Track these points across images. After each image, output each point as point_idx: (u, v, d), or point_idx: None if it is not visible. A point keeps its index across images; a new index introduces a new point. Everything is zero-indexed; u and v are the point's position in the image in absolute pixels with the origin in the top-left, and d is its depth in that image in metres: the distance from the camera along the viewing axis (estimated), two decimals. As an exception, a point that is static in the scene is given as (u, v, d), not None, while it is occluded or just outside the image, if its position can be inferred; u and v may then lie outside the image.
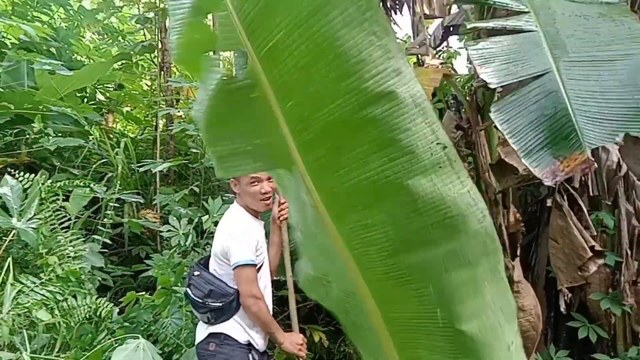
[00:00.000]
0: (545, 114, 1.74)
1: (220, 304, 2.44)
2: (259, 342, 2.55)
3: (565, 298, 3.00)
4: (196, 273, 2.54)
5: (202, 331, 2.52)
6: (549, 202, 2.98)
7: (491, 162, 2.98)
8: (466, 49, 1.96)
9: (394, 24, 5.43)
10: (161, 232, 3.29)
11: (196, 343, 2.54)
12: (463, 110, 4.25)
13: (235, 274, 2.43)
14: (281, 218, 2.64)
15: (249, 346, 2.51)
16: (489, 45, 1.93)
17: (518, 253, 3.23)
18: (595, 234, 2.89)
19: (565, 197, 2.93)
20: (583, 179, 3.44)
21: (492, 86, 1.84)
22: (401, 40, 6.57)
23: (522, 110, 1.82)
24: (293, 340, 2.55)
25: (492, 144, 3.18)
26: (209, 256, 2.63)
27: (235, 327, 2.49)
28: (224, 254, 2.47)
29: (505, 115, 1.78)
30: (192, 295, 2.47)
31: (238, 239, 2.45)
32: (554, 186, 3.33)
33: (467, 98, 3.22)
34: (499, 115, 1.79)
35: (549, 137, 1.69)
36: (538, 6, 2.03)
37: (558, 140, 1.68)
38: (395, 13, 5.83)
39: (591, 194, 3.32)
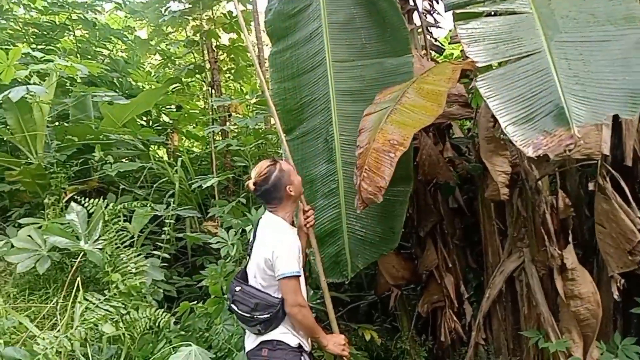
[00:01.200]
0: (532, 90, 1.70)
1: (268, 315, 2.49)
2: (307, 344, 2.65)
3: (618, 284, 2.84)
4: (237, 288, 2.58)
5: (253, 340, 2.58)
6: (590, 186, 2.84)
7: (528, 149, 2.89)
8: (455, 28, 1.94)
9: (437, 14, 5.32)
10: (211, 243, 3.46)
11: (247, 351, 2.61)
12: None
13: (282, 285, 2.48)
14: (308, 225, 2.77)
15: (300, 349, 2.59)
16: (479, 24, 1.90)
17: (570, 240, 3.09)
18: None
19: (608, 179, 2.78)
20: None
21: (478, 65, 1.82)
22: (449, 30, 6.44)
23: (509, 84, 1.79)
24: (336, 342, 2.66)
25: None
26: (245, 269, 2.70)
27: (286, 333, 2.56)
28: (269, 266, 2.50)
29: (491, 87, 1.75)
30: (238, 311, 2.53)
31: (285, 251, 2.50)
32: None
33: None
34: (484, 85, 1.76)
35: (535, 112, 1.64)
36: (533, -12, 1.97)
37: (543, 116, 1.64)
38: (437, 3, 5.72)
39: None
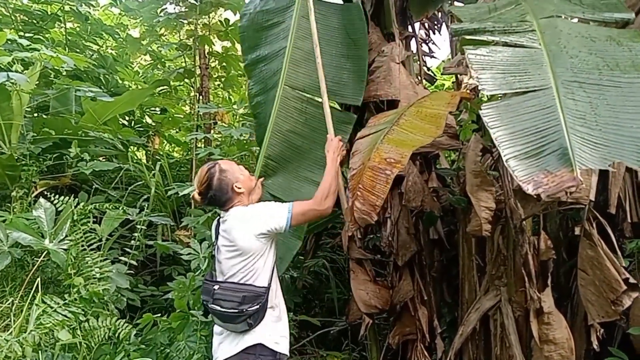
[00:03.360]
0: (537, 126, 1.64)
1: (258, 306, 2.44)
2: (286, 345, 2.60)
3: (598, 334, 2.79)
4: (216, 287, 2.50)
5: (232, 347, 2.48)
6: (577, 231, 2.80)
7: (514, 187, 2.85)
8: (462, 52, 1.88)
9: (432, 44, 5.34)
10: (181, 254, 3.33)
11: (224, 358, 2.48)
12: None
13: (296, 216, 2.55)
14: (340, 158, 2.93)
15: (280, 355, 2.54)
16: (488, 52, 1.86)
17: (549, 282, 3.04)
18: (623, 264, 2.68)
19: (594, 225, 2.74)
20: (622, 203, 3.25)
21: (485, 93, 1.77)
22: (443, 60, 6.48)
23: (514, 117, 1.73)
24: (334, 147, 2.92)
25: (517, 168, 3.03)
26: (213, 271, 2.67)
27: (272, 332, 2.52)
28: (266, 230, 2.49)
29: (495, 117, 1.69)
30: (223, 310, 2.42)
31: (265, 207, 2.63)
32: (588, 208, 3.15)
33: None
34: (489, 115, 1.70)
35: (538, 149, 1.59)
36: (544, 25, 1.94)
37: (546, 154, 1.58)
38: (434, 33, 5.73)
39: (629, 220, 3.11)
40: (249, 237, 2.48)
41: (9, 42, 4.34)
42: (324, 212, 2.65)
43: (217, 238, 2.65)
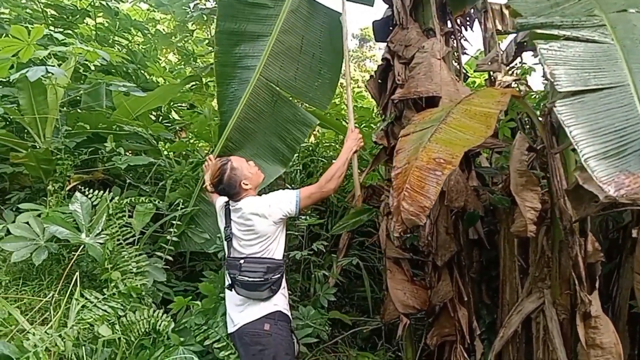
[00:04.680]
0: (614, 125, 1.57)
1: (279, 275, 2.86)
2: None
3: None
4: (241, 261, 2.85)
5: (254, 313, 2.81)
6: (634, 233, 2.70)
7: (567, 188, 2.75)
8: (536, 47, 1.79)
9: (465, 40, 5.23)
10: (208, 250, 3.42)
11: (243, 324, 2.80)
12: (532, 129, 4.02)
13: (303, 199, 2.94)
14: (357, 148, 3.29)
15: (291, 319, 2.98)
16: (559, 47, 1.77)
17: (597, 285, 2.94)
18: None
19: (651, 227, 2.65)
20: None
21: (559, 90, 1.68)
22: (472, 56, 6.36)
23: (590, 115, 1.65)
24: (353, 139, 3.24)
25: (568, 168, 2.94)
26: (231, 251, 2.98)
27: (284, 302, 2.94)
28: (278, 218, 2.91)
29: (571, 115, 1.62)
30: (249, 279, 2.77)
31: (274, 195, 3.01)
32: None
33: (541, 118, 3.00)
34: (564, 112, 1.62)
35: (618, 148, 1.52)
36: (615, 19, 1.85)
37: (627, 154, 1.51)
38: (466, 29, 5.62)
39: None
40: (267, 224, 2.88)
41: (43, 37, 4.34)
42: (326, 194, 3.07)
43: (229, 223, 3.02)
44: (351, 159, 3.31)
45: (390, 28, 4.03)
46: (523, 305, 3.26)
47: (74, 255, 3.24)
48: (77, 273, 2.95)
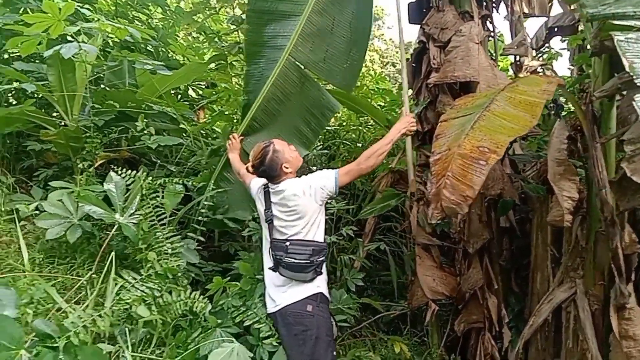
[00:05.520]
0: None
1: (323, 257, 2.89)
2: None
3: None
4: (287, 244, 2.85)
5: (297, 294, 2.83)
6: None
7: (611, 179, 2.72)
8: (613, 38, 1.74)
9: (490, 22, 5.14)
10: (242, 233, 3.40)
11: (284, 305, 2.82)
12: (566, 116, 3.96)
13: (342, 176, 2.92)
14: (408, 132, 3.12)
15: (329, 303, 3.00)
16: (638, 38, 1.72)
17: (633, 277, 2.93)
18: None
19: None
20: None
21: (638, 82, 1.64)
22: (497, 38, 6.26)
23: None
24: (405, 121, 3.08)
25: (609, 159, 2.91)
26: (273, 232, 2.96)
27: (325, 284, 2.96)
28: (320, 198, 2.91)
29: None
30: (295, 261, 2.79)
31: (313, 176, 2.98)
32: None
33: (582, 107, 2.95)
34: None
35: None
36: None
37: None
38: (491, 11, 5.53)
39: None
40: (309, 203, 2.88)
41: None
42: (364, 170, 2.98)
43: (269, 206, 3.01)
44: (403, 143, 3.24)
45: (424, 10, 3.96)
46: (554, 295, 3.26)
47: (105, 234, 3.24)
48: (113, 253, 2.94)
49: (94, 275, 2.99)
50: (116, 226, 3.12)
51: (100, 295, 2.89)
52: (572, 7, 4.63)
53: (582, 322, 3.11)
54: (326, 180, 2.91)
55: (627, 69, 1.68)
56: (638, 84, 1.64)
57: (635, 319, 2.91)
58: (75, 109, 3.92)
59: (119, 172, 3.36)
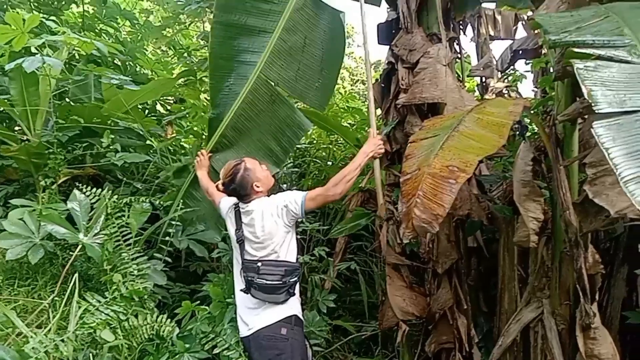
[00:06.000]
0: (652, 148, 1.58)
1: (296, 278, 2.85)
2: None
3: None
4: (259, 264, 2.80)
5: (271, 316, 2.79)
6: (640, 248, 2.76)
7: (574, 201, 2.79)
8: (572, 66, 1.79)
9: (457, 44, 5.27)
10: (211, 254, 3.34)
11: (260, 327, 2.76)
12: (530, 137, 4.06)
13: (309, 200, 2.86)
14: (376, 155, 3.09)
15: (303, 326, 2.97)
16: (596, 67, 1.78)
17: (596, 297, 3.00)
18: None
19: (656, 242, 2.70)
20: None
21: (598, 111, 1.68)
22: (464, 60, 6.42)
23: (627, 138, 1.65)
24: (373, 144, 3.04)
25: (572, 181, 2.98)
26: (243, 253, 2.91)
27: (299, 306, 2.93)
28: (288, 212, 2.86)
29: (609, 137, 1.62)
30: (267, 282, 2.75)
31: (282, 195, 2.93)
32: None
33: (546, 130, 3.03)
34: (602, 134, 1.63)
35: None
36: (646, 40, 1.87)
37: None
38: (459, 33, 5.67)
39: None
40: (277, 224, 2.85)
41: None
42: (332, 197, 2.91)
43: (240, 226, 2.96)
44: (372, 164, 3.25)
45: (393, 31, 4.02)
46: (522, 314, 3.30)
47: (69, 255, 3.13)
48: (76, 275, 2.84)
49: (56, 298, 2.88)
50: (80, 246, 3.02)
51: (63, 318, 2.79)
52: (536, 32, 4.80)
53: (550, 342, 3.15)
54: (293, 203, 2.87)
55: (586, 97, 1.72)
56: (598, 111, 1.68)
57: (600, 339, 2.96)
58: (38, 123, 3.80)
59: (83, 190, 3.27)
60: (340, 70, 4.19)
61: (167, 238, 3.39)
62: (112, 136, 4.01)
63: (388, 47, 4.02)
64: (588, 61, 1.82)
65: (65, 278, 3.01)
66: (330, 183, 2.91)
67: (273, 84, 3.76)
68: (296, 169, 4.98)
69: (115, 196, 3.26)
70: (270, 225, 2.85)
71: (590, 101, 1.71)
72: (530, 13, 4.85)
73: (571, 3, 2.82)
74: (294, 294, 2.85)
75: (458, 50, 4.77)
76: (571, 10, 2.55)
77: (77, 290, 2.78)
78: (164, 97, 5.91)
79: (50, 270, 3.18)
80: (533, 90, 5.93)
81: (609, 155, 1.62)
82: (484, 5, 5.44)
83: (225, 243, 3.67)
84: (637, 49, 1.88)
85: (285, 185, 4.88)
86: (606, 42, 1.94)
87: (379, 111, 4.28)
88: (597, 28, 2.09)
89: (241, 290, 2.87)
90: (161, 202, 3.67)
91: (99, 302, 2.66)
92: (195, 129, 5.95)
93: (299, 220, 3.00)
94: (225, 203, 3.14)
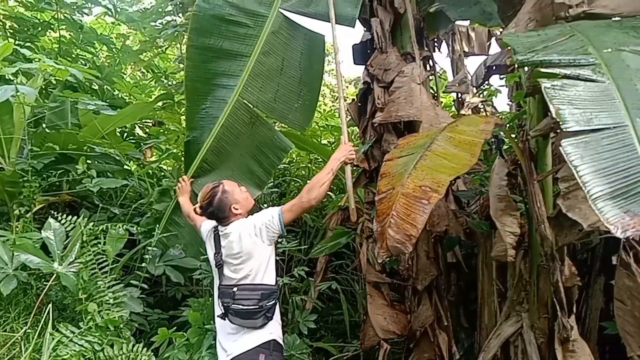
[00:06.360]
0: (618, 165, 1.61)
1: (274, 301, 2.79)
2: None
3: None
4: (235, 289, 2.76)
5: (249, 342, 2.73)
6: (614, 260, 2.78)
7: (549, 215, 2.82)
8: (540, 85, 1.82)
9: (431, 62, 5.34)
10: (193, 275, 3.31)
11: (238, 353, 2.71)
12: (507, 152, 4.11)
13: (285, 213, 2.83)
14: (348, 161, 3.06)
15: (283, 351, 2.92)
16: (562, 86, 1.81)
17: (574, 309, 3.02)
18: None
19: (631, 255, 2.73)
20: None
21: (566, 129, 1.72)
22: (439, 76, 6.50)
23: (594, 155, 1.68)
24: (344, 150, 3.02)
25: (547, 194, 3.02)
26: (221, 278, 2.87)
27: (279, 330, 2.87)
28: (266, 230, 2.81)
29: (577, 155, 1.65)
30: (244, 308, 2.70)
31: (258, 215, 2.90)
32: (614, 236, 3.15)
33: (520, 144, 3.08)
34: (570, 153, 1.66)
35: (621, 189, 1.56)
36: (608, 58, 1.91)
37: (631, 194, 1.56)
38: (434, 50, 5.74)
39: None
40: (255, 244, 2.81)
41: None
42: (307, 204, 2.87)
43: (219, 250, 2.90)
44: (343, 170, 3.20)
45: (368, 51, 4.06)
46: (502, 329, 3.31)
47: (43, 284, 3.08)
48: (50, 305, 2.79)
49: (29, 330, 2.82)
50: (54, 275, 2.98)
51: (36, 351, 2.73)
52: (508, 48, 4.88)
53: (529, 356, 3.15)
54: (270, 219, 2.83)
55: (554, 116, 1.76)
56: (566, 130, 1.71)
57: (578, 351, 2.97)
58: (12, 152, 3.77)
59: (59, 218, 3.23)
60: (321, 90, 4.21)
61: (142, 265, 3.34)
62: (89, 161, 3.99)
63: (364, 67, 4.06)
64: (555, 80, 1.85)
65: (39, 308, 2.96)
66: (304, 191, 2.90)
67: (252, 106, 3.77)
68: (276, 189, 4.97)
69: (92, 223, 3.22)
70: (248, 244, 2.80)
71: (558, 120, 1.74)
72: (501, 30, 4.94)
73: (539, 21, 2.87)
74: (271, 318, 2.79)
75: (433, 68, 4.82)
76: (538, 29, 2.61)
77: (51, 321, 2.73)
78: (143, 120, 5.91)
79: (24, 301, 3.12)
80: (508, 104, 6.01)
81: (578, 173, 1.65)
82: (457, 22, 5.52)
83: (208, 264, 3.63)
84: (602, 68, 1.93)
85: (265, 205, 4.86)
86: (572, 61, 1.98)
87: (356, 129, 4.30)
88: (563, 47, 2.14)
89: (218, 316, 2.83)
90: (139, 228, 3.64)
91: (73, 332, 2.61)
92: (175, 150, 5.96)
93: (279, 236, 2.96)
94: (205, 227, 3.11)
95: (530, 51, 2.06)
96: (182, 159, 4.69)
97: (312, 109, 3.95)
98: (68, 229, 3.20)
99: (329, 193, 4.70)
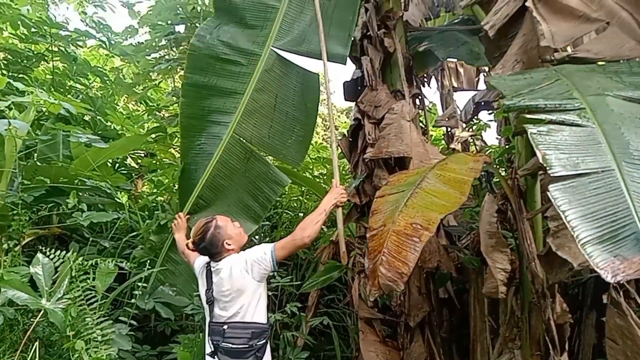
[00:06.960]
0: (606, 210, 1.63)
1: (264, 341, 2.78)
2: None
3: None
4: (225, 327, 2.74)
5: None
6: (604, 299, 2.79)
7: (539, 253, 2.84)
8: (527, 131, 1.86)
9: (421, 98, 5.44)
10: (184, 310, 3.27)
11: None
12: (497, 185, 4.16)
13: (278, 250, 2.82)
14: (339, 203, 3.09)
15: None
16: (548, 131, 1.85)
17: (566, 347, 3.01)
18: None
19: (621, 294, 2.74)
20: None
21: (553, 175, 1.75)
22: (429, 110, 6.60)
23: (582, 200, 1.71)
24: (336, 192, 3.06)
25: (537, 232, 3.05)
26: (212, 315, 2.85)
27: None
28: (257, 267, 2.80)
29: (564, 200, 1.68)
30: (234, 346, 2.68)
31: (251, 250, 2.88)
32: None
33: (509, 182, 3.12)
34: (558, 197, 1.68)
35: (610, 234, 1.58)
36: (593, 103, 1.96)
37: (619, 239, 1.58)
38: (423, 86, 5.84)
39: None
40: (246, 280, 2.79)
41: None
42: (300, 242, 2.88)
43: (210, 286, 2.88)
44: (334, 213, 3.23)
45: (359, 88, 4.13)
46: (495, 366, 3.30)
47: (30, 320, 3.03)
48: (37, 342, 2.74)
49: (13, 369, 2.77)
50: (42, 312, 2.93)
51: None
52: (496, 85, 4.99)
53: (522, 393, 3.14)
54: (262, 255, 2.82)
55: (541, 161, 1.79)
56: (553, 175, 1.74)
57: (571, 389, 2.97)
58: (2, 185, 3.75)
59: (48, 252, 3.20)
60: (316, 126, 4.25)
61: (132, 300, 3.31)
62: (80, 194, 3.98)
63: (355, 103, 4.12)
64: (541, 125, 1.90)
65: (26, 345, 2.90)
66: (297, 229, 2.90)
67: (247, 142, 3.81)
68: (267, 222, 4.96)
69: (81, 257, 3.19)
70: (239, 280, 2.78)
71: (546, 165, 1.77)
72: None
73: (525, 63, 2.95)
74: (262, 358, 2.76)
75: (422, 103, 4.90)
76: (524, 72, 2.68)
77: (37, 359, 2.68)
78: (135, 151, 5.91)
79: (10, 337, 3.05)
80: (497, 138, 6.10)
81: (566, 217, 1.67)
82: (451, 59, 5.65)
83: (200, 300, 3.60)
84: (587, 112, 1.97)
85: (256, 237, 4.85)
86: (558, 105, 2.03)
87: (347, 164, 4.34)
88: (548, 91, 2.20)
89: (208, 354, 2.79)
90: (129, 264, 3.61)
91: (61, 373, 2.56)
92: (166, 180, 5.96)
93: (271, 272, 2.95)
94: (199, 262, 3.08)
95: (516, 95, 2.12)
96: (175, 190, 4.71)
97: (306, 145, 3.99)
98: (57, 264, 3.16)
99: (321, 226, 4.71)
